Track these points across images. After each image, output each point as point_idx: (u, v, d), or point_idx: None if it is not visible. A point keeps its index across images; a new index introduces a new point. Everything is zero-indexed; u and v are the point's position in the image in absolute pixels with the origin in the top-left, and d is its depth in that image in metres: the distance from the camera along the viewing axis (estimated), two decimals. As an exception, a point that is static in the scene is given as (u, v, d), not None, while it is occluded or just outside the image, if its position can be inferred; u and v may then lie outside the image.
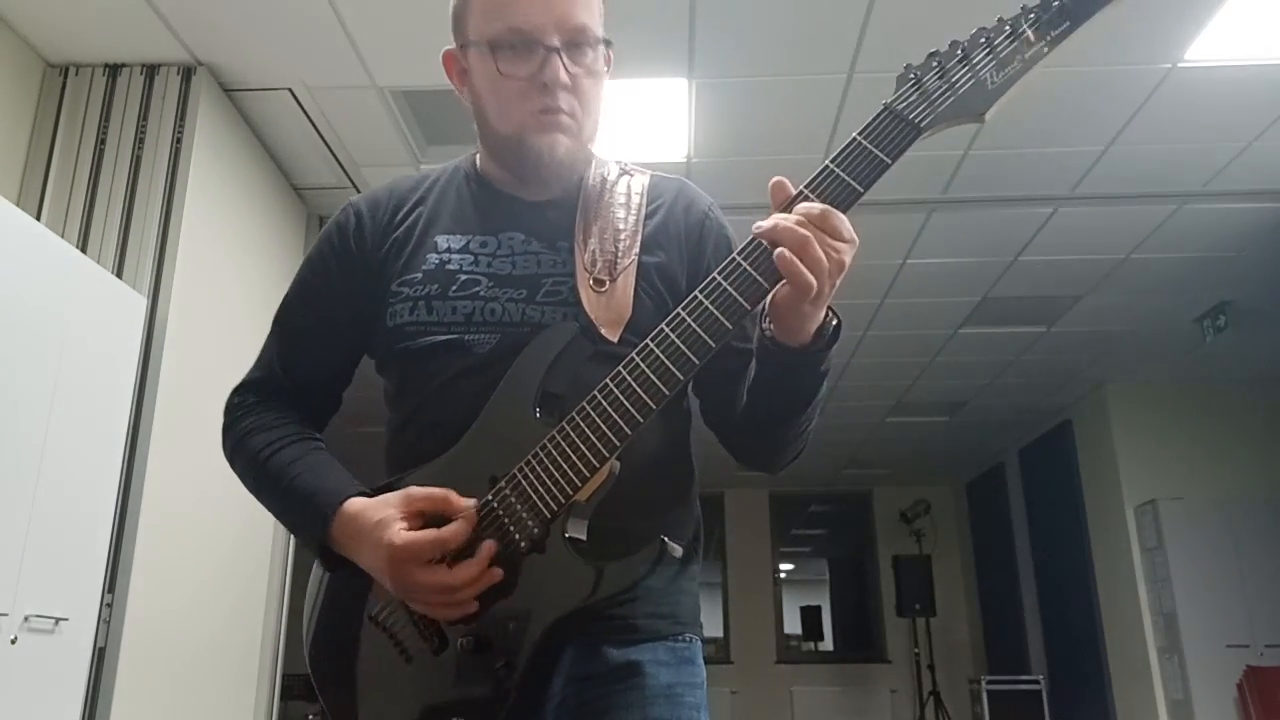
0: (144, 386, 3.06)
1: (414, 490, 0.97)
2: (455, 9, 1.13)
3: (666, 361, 0.92)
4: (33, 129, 3.27)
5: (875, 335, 5.83)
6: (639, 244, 1.11)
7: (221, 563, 3.51)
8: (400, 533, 0.94)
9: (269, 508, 1.09)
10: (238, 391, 1.16)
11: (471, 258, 1.10)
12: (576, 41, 1.07)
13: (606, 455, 0.92)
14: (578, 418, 0.94)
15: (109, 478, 2.84)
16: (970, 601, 9.48)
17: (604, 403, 0.93)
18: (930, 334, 5.90)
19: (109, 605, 2.87)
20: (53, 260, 2.68)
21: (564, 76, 1.06)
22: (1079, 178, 4.14)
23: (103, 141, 3.28)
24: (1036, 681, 7.67)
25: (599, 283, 1.06)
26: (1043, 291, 5.26)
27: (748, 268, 0.92)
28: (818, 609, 10.44)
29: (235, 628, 3.62)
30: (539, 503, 0.94)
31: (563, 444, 0.94)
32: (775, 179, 0.95)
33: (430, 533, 0.93)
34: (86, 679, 2.73)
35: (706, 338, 0.92)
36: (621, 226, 1.12)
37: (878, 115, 0.95)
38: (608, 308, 1.05)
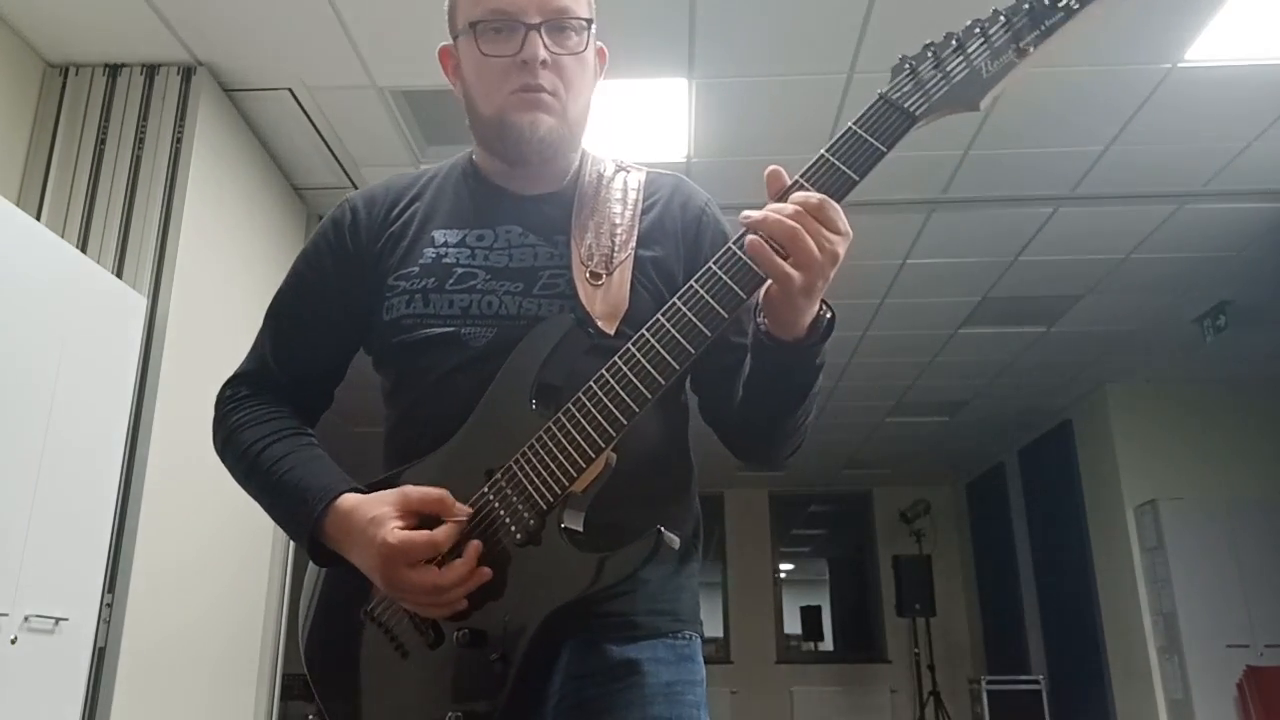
0: (144, 386, 3.06)
1: (410, 489, 0.97)
2: (449, 5, 1.14)
3: (663, 351, 0.92)
4: (33, 129, 3.28)
5: (875, 335, 5.83)
6: (635, 238, 1.11)
7: (222, 563, 3.51)
8: (394, 531, 0.93)
9: (259, 501, 1.08)
10: (229, 384, 1.16)
11: (468, 251, 1.10)
12: (559, 22, 1.07)
13: (602, 446, 0.92)
14: (573, 409, 0.94)
15: (109, 478, 2.84)
16: (970, 601, 9.48)
17: (600, 393, 0.93)
18: (930, 334, 5.90)
19: (109, 605, 2.87)
20: (53, 260, 2.68)
21: (543, 53, 1.06)
22: (1079, 178, 4.14)
23: (103, 141, 3.28)
24: (1036, 681, 7.66)
25: (595, 276, 1.06)
26: (1043, 291, 5.26)
27: (744, 257, 0.92)
28: (818, 609, 10.44)
29: (235, 627, 3.62)
30: (535, 494, 0.94)
31: (559, 435, 0.94)
32: (771, 168, 0.95)
33: (423, 534, 0.93)
34: (86, 679, 2.73)
35: (702, 327, 0.92)
36: (618, 221, 1.12)
37: (873, 104, 0.95)
38: (604, 300, 1.05)
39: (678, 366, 0.92)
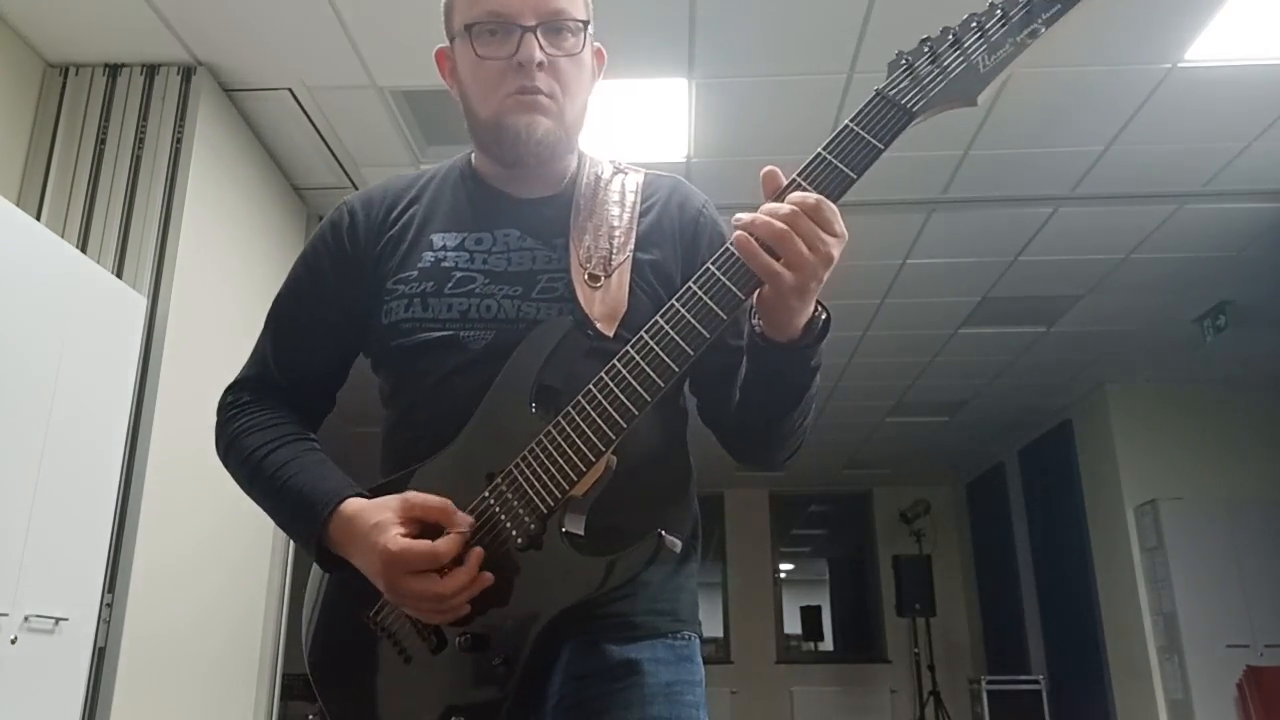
0: (144, 386, 3.06)
1: (414, 496, 0.97)
2: (444, 7, 1.14)
3: (661, 354, 0.92)
4: (33, 129, 3.28)
5: (875, 335, 5.83)
6: (634, 240, 1.11)
7: (222, 563, 3.51)
8: (396, 539, 0.93)
9: (263, 507, 1.08)
10: (231, 390, 1.16)
11: (467, 255, 1.10)
12: (554, 24, 1.07)
13: (602, 449, 0.92)
14: (573, 412, 0.94)
15: (109, 478, 2.84)
16: (970, 601, 9.48)
17: (599, 396, 0.93)
18: (930, 334, 5.90)
19: (109, 605, 2.87)
20: (53, 260, 2.68)
21: (539, 55, 1.05)
22: (1079, 178, 4.14)
23: (103, 141, 3.28)
24: (1036, 681, 7.66)
25: (594, 278, 1.06)
26: (1043, 291, 5.25)
27: (741, 257, 0.91)
28: (818, 609, 10.43)
29: (235, 627, 3.62)
30: (535, 498, 0.94)
31: (558, 439, 0.94)
32: (767, 168, 0.94)
33: (424, 544, 0.93)
34: (86, 679, 2.73)
35: (701, 329, 0.91)
36: (616, 223, 1.12)
37: (870, 101, 0.95)
38: (603, 303, 1.05)
39: (677, 369, 0.91)
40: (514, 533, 0.94)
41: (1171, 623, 6.08)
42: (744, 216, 0.91)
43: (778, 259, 0.89)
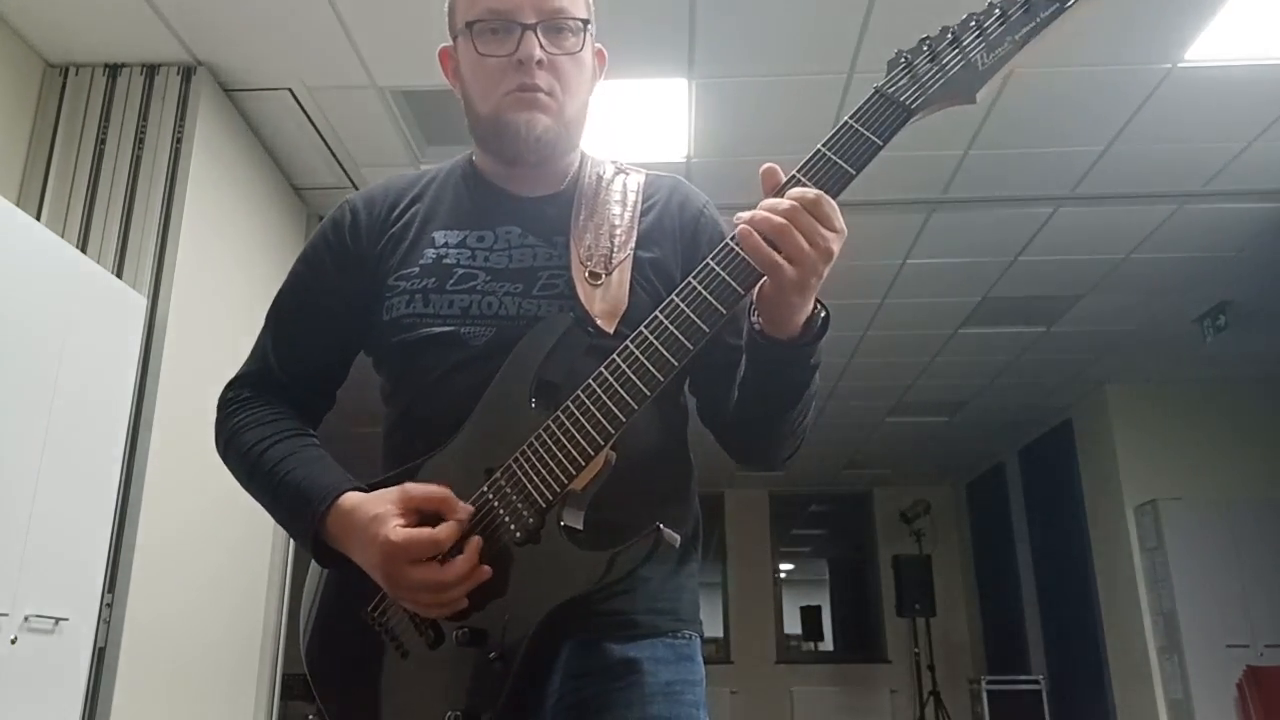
0: (144, 386, 3.06)
1: (412, 487, 0.97)
2: (448, 6, 1.15)
3: (661, 348, 0.92)
4: (33, 129, 3.28)
5: (875, 335, 5.83)
6: (634, 239, 1.11)
7: (221, 563, 3.51)
8: (396, 529, 0.93)
9: (261, 502, 1.08)
10: (231, 386, 1.16)
11: (469, 252, 1.10)
12: (555, 22, 1.08)
13: (601, 443, 0.92)
14: (572, 406, 0.94)
15: (109, 478, 2.84)
16: (970, 601, 9.48)
17: (599, 390, 0.93)
18: (930, 334, 5.90)
19: (109, 605, 2.87)
20: (53, 260, 2.68)
21: (539, 53, 1.06)
22: (1079, 178, 4.14)
23: (103, 141, 3.28)
24: (1036, 681, 7.67)
25: (594, 276, 1.07)
26: (1043, 291, 5.26)
27: (741, 253, 0.92)
28: (818, 609, 10.43)
29: (235, 628, 3.62)
30: (534, 492, 0.94)
31: (558, 433, 0.94)
32: (765, 166, 0.95)
33: (425, 531, 0.93)
34: (86, 679, 2.73)
35: (700, 324, 0.91)
36: (617, 222, 1.12)
37: (869, 98, 0.95)
38: (603, 300, 1.05)
39: (676, 363, 0.91)
40: (512, 526, 0.95)
41: (1171, 623, 6.08)
42: (745, 214, 0.91)
43: (779, 253, 0.89)
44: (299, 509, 1.02)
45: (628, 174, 1.19)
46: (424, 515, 0.96)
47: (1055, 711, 7.54)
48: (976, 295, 5.32)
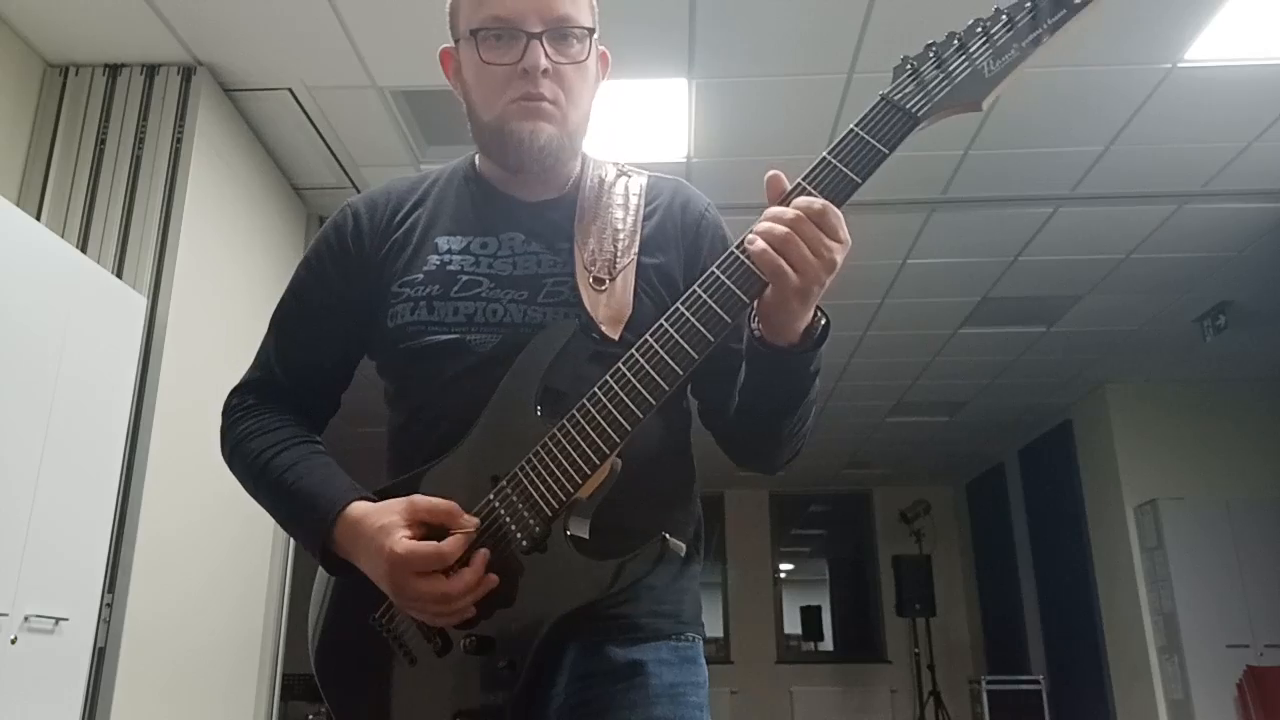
0: (144, 386, 3.06)
1: (419, 499, 0.97)
2: (450, 7, 1.14)
3: (666, 357, 0.92)
4: (33, 129, 3.27)
5: (875, 335, 5.83)
6: (638, 244, 1.11)
7: (221, 563, 3.51)
8: (401, 541, 0.93)
9: (269, 510, 1.08)
10: (236, 393, 1.16)
11: (473, 259, 1.10)
12: (560, 30, 1.07)
13: (607, 452, 0.92)
14: (578, 415, 0.94)
15: (109, 478, 2.84)
16: (970, 601, 9.48)
17: (604, 399, 0.93)
18: (930, 334, 5.90)
19: (109, 605, 2.87)
20: (53, 260, 2.68)
21: (544, 62, 1.05)
22: (1079, 178, 4.14)
23: (103, 141, 3.28)
24: (1036, 681, 7.67)
25: (599, 281, 1.06)
26: (1043, 291, 5.26)
27: (746, 261, 0.92)
28: (818, 609, 10.42)
29: (235, 628, 3.62)
30: (540, 501, 0.94)
31: (564, 441, 0.94)
32: (771, 173, 0.95)
33: (431, 545, 0.93)
34: (86, 679, 2.73)
35: (706, 332, 0.91)
36: (620, 226, 1.12)
37: (874, 106, 0.95)
38: (608, 306, 1.05)
39: (681, 373, 0.91)
40: (518, 535, 0.95)
41: (1171, 623, 6.08)
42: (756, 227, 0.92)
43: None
44: (307, 518, 1.02)
45: (630, 176, 1.19)
46: (431, 528, 0.96)
47: (1055, 711, 7.54)
48: (976, 295, 5.32)
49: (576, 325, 1.01)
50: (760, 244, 0.89)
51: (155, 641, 3.03)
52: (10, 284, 2.48)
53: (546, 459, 0.95)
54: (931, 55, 0.96)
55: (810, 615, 10.36)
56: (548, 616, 0.92)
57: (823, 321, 0.98)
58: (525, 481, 0.95)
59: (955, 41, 0.96)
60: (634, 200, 1.15)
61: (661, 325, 0.94)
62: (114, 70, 3.35)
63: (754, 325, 0.98)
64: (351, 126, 3.73)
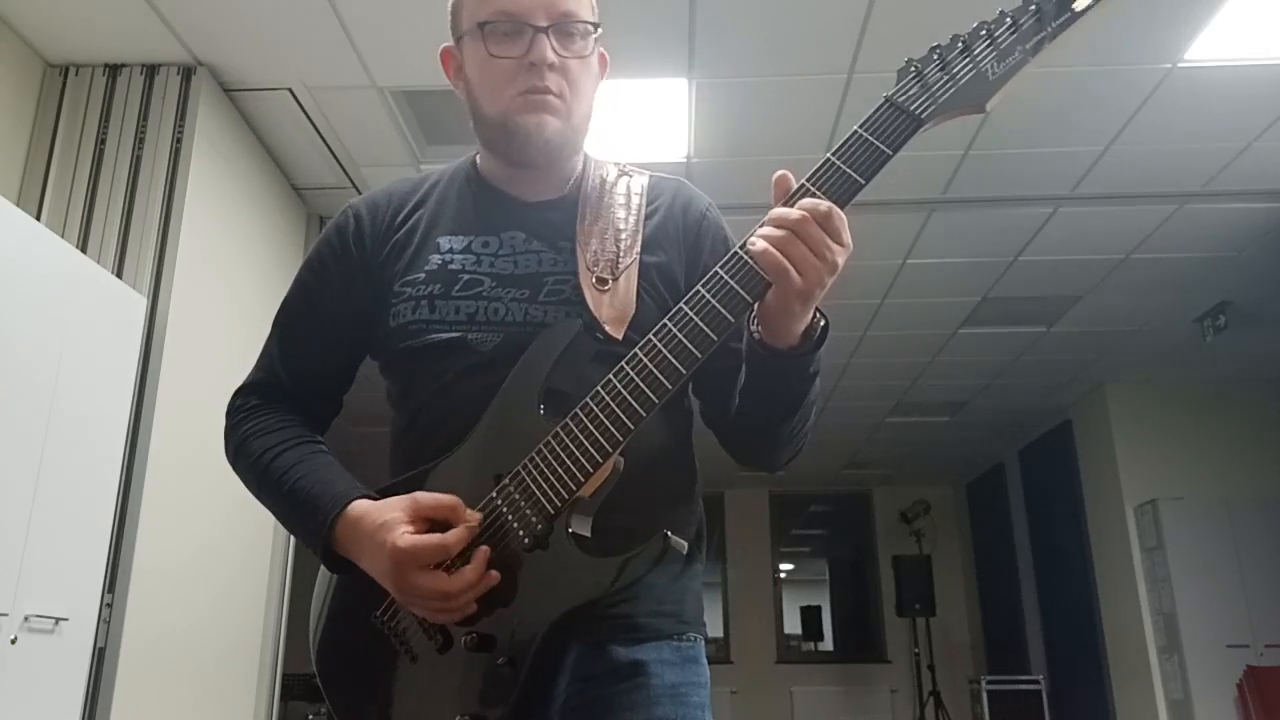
0: (144, 386, 3.05)
1: (421, 495, 0.98)
2: (453, 6, 1.14)
3: (669, 356, 0.92)
4: (33, 129, 3.27)
5: (875, 335, 5.83)
6: (640, 243, 1.11)
7: (222, 562, 3.51)
8: (404, 536, 0.94)
9: (272, 510, 1.09)
10: (239, 394, 1.16)
11: (474, 258, 1.10)
12: (565, 26, 1.08)
13: (610, 450, 0.92)
14: (581, 414, 0.95)
15: (109, 478, 2.84)
16: (970, 601, 9.48)
17: (607, 398, 0.94)
18: (930, 334, 5.90)
19: (109, 605, 2.87)
20: (53, 260, 2.68)
21: (551, 56, 1.06)
22: (1079, 178, 4.14)
23: (103, 141, 3.28)
24: (1036, 681, 7.67)
25: (601, 281, 1.07)
26: (1043, 291, 5.26)
27: (749, 261, 0.92)
28: (818, 609, 10.42)
29: (235, 628, 3.62)
30: (543, 499, 0.94)
31: (566, 440, 0.94)
32: (779, 173, 0.95)
33: (433, 538, 0.93)
34: (86, 679, 2.73)
35: (709, 332, 0.92)
36: (622, 226, 1.12)
37: (878, 107, 0.95)
38: (611, 306, 1.05)
39: (684, 371, 0.92)
40: (521, 533, 0.95)
41: (1171, 623, 6.08)
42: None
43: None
44: (308, 517, 1.03)
45: (631, 176, 1.19)
46: (433, 523, 0.96)
47: (1055, 711, 7.54)
48: (976, 295, 5.32)
49: (580, 325, 1.01)
50: (763, 245, 0.90)
51: (155, 641, 3.03)
52: (10, 284, 2.48)
53: (549, 457, 0.95)
54: (935, 57, 0.96)
55: (810, 615, 10.36)
56: (549, 614, 0.92)
57: (822, 323, 0.98)
58: (528, 479, 0.96)
59: (959, 44, 0.96)
60: (635, 200, 1.15)
61: (665, 324, 0.94)
62: (114, 70, 3.35)
63: (753, 328, 0.98)
64: (351, 126, 3.73)
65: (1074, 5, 0.93)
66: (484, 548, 0.94)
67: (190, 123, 3.31)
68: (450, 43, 1.16)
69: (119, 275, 3.09)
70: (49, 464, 2.55)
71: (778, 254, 0.89)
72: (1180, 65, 3.39)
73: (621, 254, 1.09)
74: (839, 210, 0.91)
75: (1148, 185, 4.19)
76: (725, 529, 9.68)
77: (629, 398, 0.93)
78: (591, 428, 0.93)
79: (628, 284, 1.07)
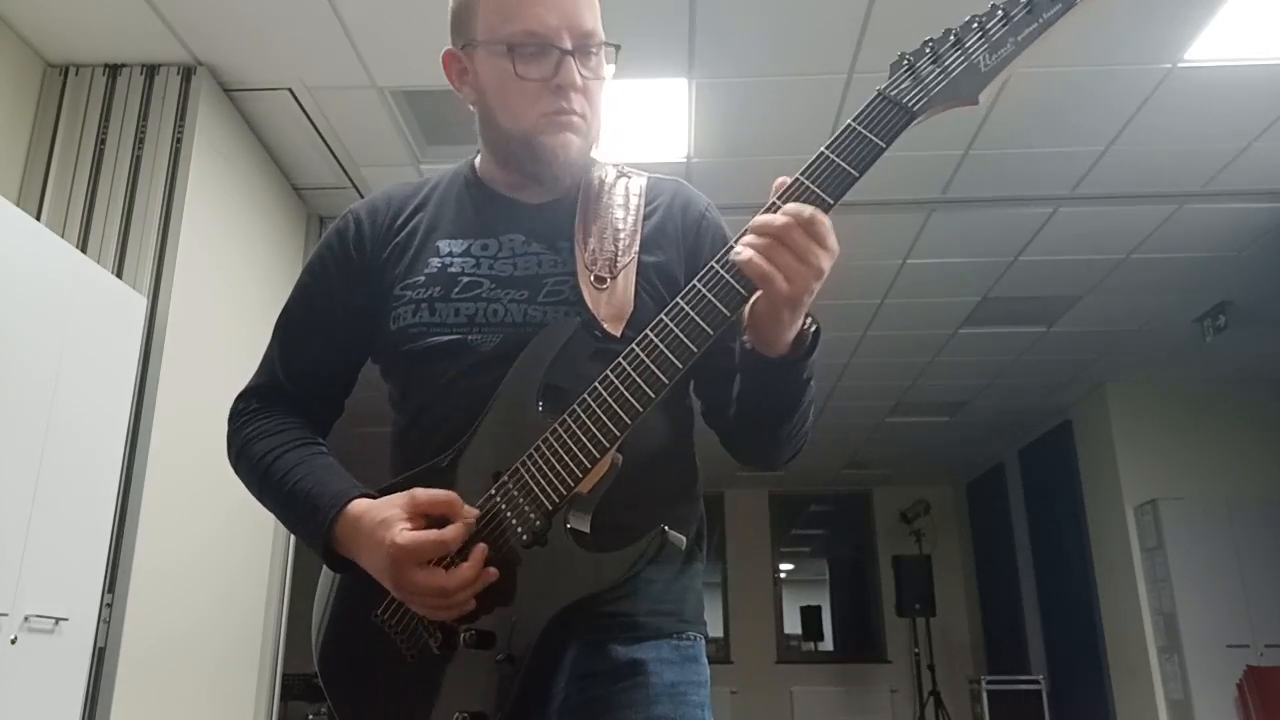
0: (144, 386, 3.05)
1: (419, 492, 0.98)
2: (456, 9, 1.14)
3: (666, 350, 0.93)
4: (33, 129, 3.27)
5: (875, 335, 5.83)
6: (638, 243, 1.11)
7: (222, 562, 3.51)
8: (402, 533, 0.94)
9: (274, 512, 1.10)
10: (241, 398, 1.17)
11: (473, 260, 1.11)
12: (586, 45, 1.09)
13: (607, 445, 0.93)
14: (579, 410, 0.95)
15: (109, 478, 2.84)
16: (970, 601, 9.48)
17: (604, 394, 0.94)
18: (930, 334, 5.90)
19: (109, 605, 2.87)
20: (53, 260, 2.68)
21: (579, 81, 1.07)
22: (1079, 178, 4.14)
23: (103, 141, 3.28)
24: (1036, 681, 7.67)
25: (600, 280, 1.07)
26: (1043, 291, 5.26)
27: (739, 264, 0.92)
28: (818, 609, 10.43)
29: (235, 628, 3.62)
30: (541, 495, 0.94)
31: (564, 436, 0.95)
32: (780, 179, 0.95)
33: (432, 534, 0.94)
34: (86, 679, 2.73)
35: (705, 325, 0.92)
36: (621, 226, 1.12)
37: (871, 101, 0.96)
38: (609, 304, 1.05)
39: (681, 365, 0.92)
40: (519, 529, 0.95)
41: (1171, 623, 6.08)
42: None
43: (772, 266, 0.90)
44: (309, 517, 1.03)
45: (629, 177, 1.19)
46: (431, 520, 0.96)
47: (1055, 711, 7.54)
48: (976, 295, 5.32)
49: (578, 323, 1.02)
50: (747, 253, 0.90)
51: (155, 642, 3.03)
52: (10, 284, 2.48)
53: (548, 454, 0.95)
54: (928, 51, 0.97)
55: (810, 615, 10.37)
56: (547, 609, 0.93)
57: (813, 329, 0.98)
58: (526, 476, 0.96)
59: (951, 37, 0.96)
60: (634, 200, 1.16)
61: (661, 320, 0.94)
62: (114, 70, 3.35)
63: (744, 339, 0.99)
64: (351, 126, 3.73)
65: None
66: (481, 545, 0.95)
67: (190, 123, 3.31)
68: (449, 43, 1.15)
69: (119, 275, 3.09)
70: (49, 464, 2.55)
71: (763, 262, 0.89)
72: (1180, 65, 3.40)
73: (620, 253, 1.10)
74: (822, 215, 0.91)
75: (1148, 185, 4.19)
76: (725, 529, 9.69)
77: (626, 393, 0.93)
78: (589, 423, 0.94)
79: (626, 282, 1.07)
